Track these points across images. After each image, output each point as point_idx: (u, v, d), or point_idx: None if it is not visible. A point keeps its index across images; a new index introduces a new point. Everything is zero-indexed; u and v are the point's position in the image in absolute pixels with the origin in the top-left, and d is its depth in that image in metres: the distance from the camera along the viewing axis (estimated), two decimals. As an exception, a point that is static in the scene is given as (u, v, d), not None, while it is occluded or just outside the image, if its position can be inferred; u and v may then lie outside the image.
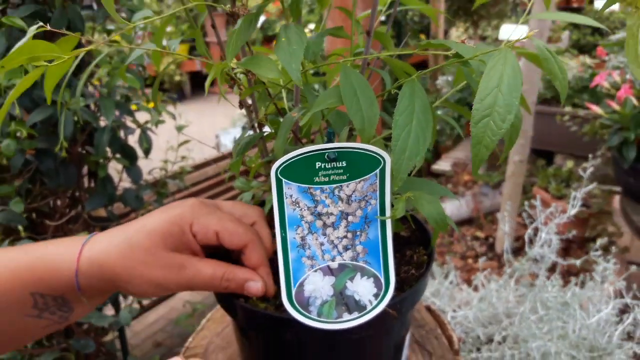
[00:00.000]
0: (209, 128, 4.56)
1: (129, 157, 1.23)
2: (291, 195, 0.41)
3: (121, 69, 0.55)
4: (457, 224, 2.21)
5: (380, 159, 0.40)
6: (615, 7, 4.89)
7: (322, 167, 0.40)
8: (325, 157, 0.40)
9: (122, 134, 1.26)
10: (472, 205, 2.18)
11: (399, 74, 0.46)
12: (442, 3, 3.40)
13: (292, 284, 0.41)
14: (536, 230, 1.21)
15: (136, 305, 1.48)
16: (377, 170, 0.41)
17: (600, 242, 1.20)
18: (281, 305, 0.41)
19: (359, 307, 0.41)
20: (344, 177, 0.41)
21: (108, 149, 1.22)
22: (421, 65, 4.11)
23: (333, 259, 0.42)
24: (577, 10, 6.04)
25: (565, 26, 5.87)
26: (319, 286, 0.42)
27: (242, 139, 0.49)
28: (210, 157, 2.42)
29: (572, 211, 1.04)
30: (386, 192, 0.42)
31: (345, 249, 0.42)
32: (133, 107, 1.26)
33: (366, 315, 0.41)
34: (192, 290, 0.44)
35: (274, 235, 0.45)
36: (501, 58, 0.30)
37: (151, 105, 1.32)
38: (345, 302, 0.41)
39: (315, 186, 0.41)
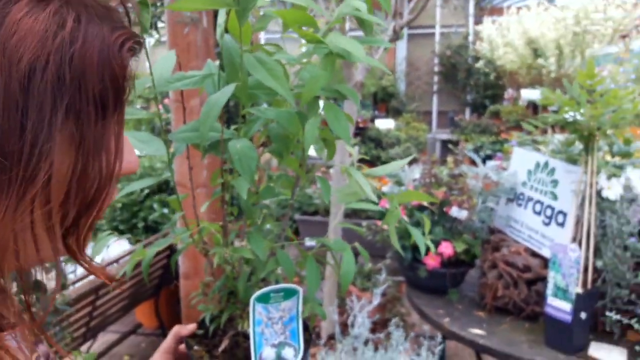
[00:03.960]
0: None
1: (40, 290, 1.50)
2: (258, 310, 0.85)
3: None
4: (290, 319, 2.69)
5: (298, 290, 0.88)
6: (391, 125, 6.09)
7: (273, 295, 0.86)
8: (273, 291, 0.86)
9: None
10: (301, 302, 2.70)
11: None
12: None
13: (257, 353, 0.85)
14: (349, 317, 1.75)
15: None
16: (297, 295, 0.88)
17: (394, 321, 1.78)
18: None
19: (289, 362, 0.87)
20: (282, 299, 0.87)
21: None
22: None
23: (275, 339, 0.87)
24: (364, 130, 7.28)
25: (354, 143, 7.04)
26: (269, 353, 0.86)
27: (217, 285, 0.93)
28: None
29: (375, 302, 1.60)
30: (299, 304, 0.89)
31: (280, 334, 0.87)
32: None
33: (291, 365, 0.86)
34: None
35: None
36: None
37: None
38: (280, 359, 0.86)
39: (269, 305, 0.86)
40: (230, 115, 2.99)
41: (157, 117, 0.82)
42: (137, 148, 0.87)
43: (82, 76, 0.40)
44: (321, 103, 0.79)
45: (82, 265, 0.48)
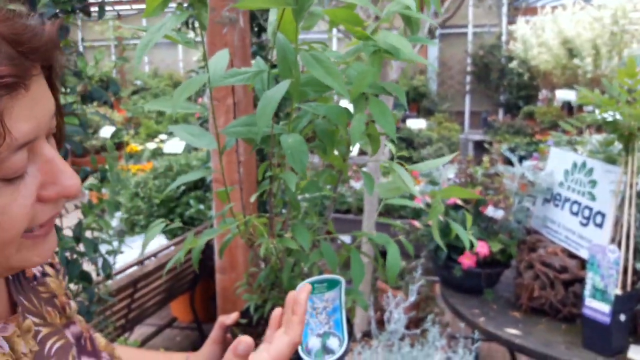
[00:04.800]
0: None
1: (87, 280, 1.56)
2: (303, 300, 0.88)
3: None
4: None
5: (341, 281, 0.90)
6: (423, 125, 6.08)
7: (317, 286, 0.88)
8: (317, 282, 0.89)
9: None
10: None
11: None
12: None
13: (303, 342, 0.87)
14: (383, 313, 1.77)
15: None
16: (340, 285, 0.90)
17: (430, 318, 1.79)
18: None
19: (332, 352, 0.89)
20: (325, 290, 0.89)
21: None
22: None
23: (320, 329, 0.89)
24: (395, 129, 7.26)
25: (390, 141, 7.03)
26: (314, 343, 0.88)
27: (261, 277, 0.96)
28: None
29: (412, 298, 1.61)
30: (342, 295, 0.91)
31: (325, 324, 0.90)
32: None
33: (335, 355, 0.88)
34: None
35: None
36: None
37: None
38: (326, 349, 0.89)
39: (314, 295, 0.88)
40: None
41: (209, 110, 0.85)
42: (188, 141, 0.90)
43: None
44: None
45: None
